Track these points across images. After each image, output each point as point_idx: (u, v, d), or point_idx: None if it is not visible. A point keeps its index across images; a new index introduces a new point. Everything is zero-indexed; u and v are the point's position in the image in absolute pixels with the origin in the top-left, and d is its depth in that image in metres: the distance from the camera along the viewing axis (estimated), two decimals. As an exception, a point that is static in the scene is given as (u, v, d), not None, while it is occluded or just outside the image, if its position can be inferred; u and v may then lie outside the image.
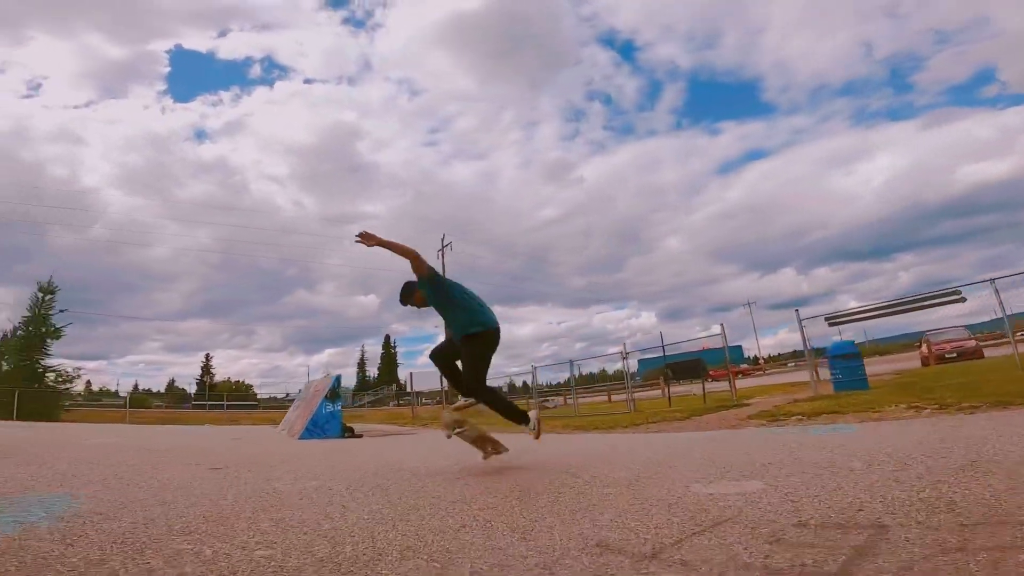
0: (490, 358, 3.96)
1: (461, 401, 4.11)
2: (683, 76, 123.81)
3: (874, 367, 15.14)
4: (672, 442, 5.17)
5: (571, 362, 15.15)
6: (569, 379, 15.48)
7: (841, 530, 1.75)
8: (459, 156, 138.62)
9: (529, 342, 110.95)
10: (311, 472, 4.14)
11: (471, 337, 3.85)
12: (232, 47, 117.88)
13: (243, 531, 2.21)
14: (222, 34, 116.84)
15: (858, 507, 2.00)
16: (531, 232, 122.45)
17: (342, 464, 4.65)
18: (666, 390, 25.03)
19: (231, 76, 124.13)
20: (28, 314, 22.66)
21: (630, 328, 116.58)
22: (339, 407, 9.44)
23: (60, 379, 24.44)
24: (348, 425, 9.27)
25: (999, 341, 16.01)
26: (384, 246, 3.75)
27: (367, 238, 3.72)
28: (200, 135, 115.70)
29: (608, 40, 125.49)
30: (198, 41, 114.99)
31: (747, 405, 10.39)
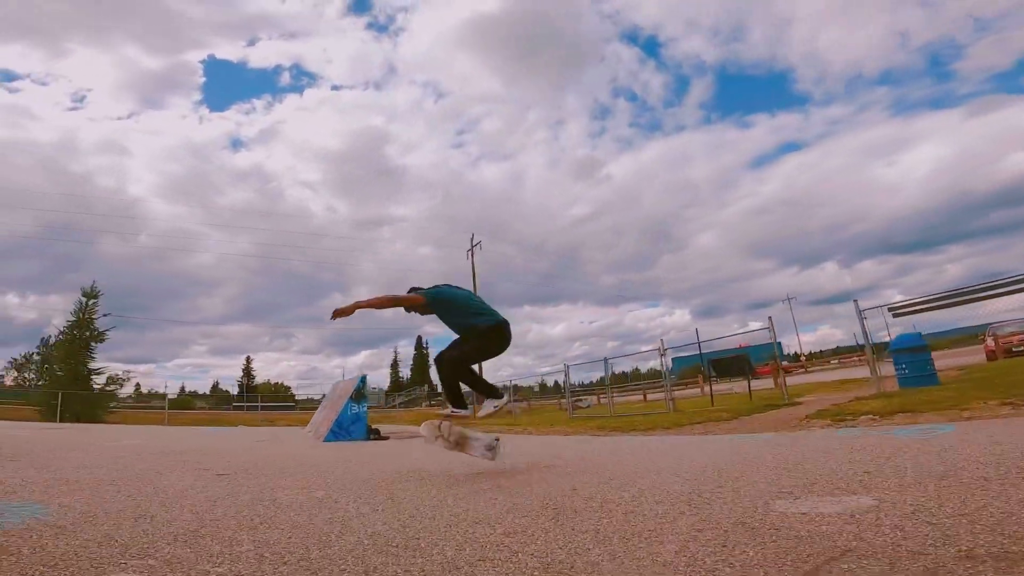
0: (486, 351, 3.80)
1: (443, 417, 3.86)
2: (710, 70, 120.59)
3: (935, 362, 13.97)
4: (729, 446, 4.55)
5: (605, 360, 14.49)
6: (603, 378, 14.80)
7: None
8: (487, 157, 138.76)
9: (561, 341, 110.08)
10: (321, 479, 3.73)
11: (474, 328, 3.69)
12: (262, 56, 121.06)
13: (211, 557, 1.77)
14: (251, 43, 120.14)
15: (1040, 541, 1.41)
16: (561, 231, 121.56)
17: (357, 470, 4.23)
18: (705, 388, 24.05)
19: (262, 84, 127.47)
20: (73, 318, 23.49)
21: (663, 326, 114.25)
22: (364, 408, 9.10)
23: (111, 382, 25.30)
24: (374, 427, 8.93)
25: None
26: (363, 307, 3.68)
27: (341, 313, 3.63)
28: (236, 143, 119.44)
29: (631, 36, 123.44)
30: (229, 51, 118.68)
31: (799, 403, 9.58)
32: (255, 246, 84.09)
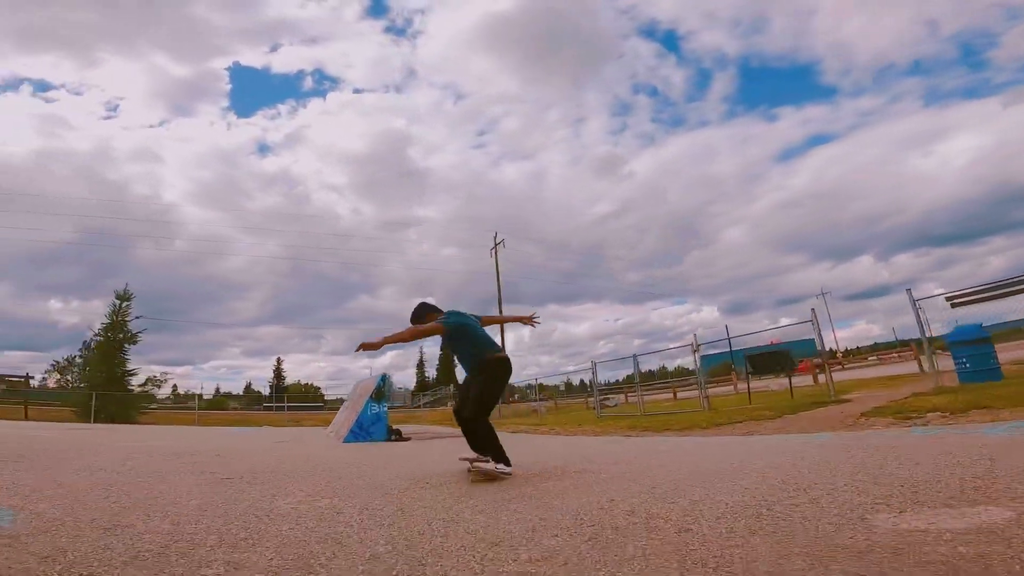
0: (502, 389, 3.80)
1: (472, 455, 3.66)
2: (732, 63, 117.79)
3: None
4: (786, 448, 4.04)
5: (634, 356, 13.92)
6: (632, 375, 14.24)
7: None
8: (508, 157, 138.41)
9: (586, 340, 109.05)
10: (330, 486, 3.39)
11: (487, 362, 3.66)
12: (284, 61, 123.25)
13: (166, 593, 1.42)
14: (274, 49, 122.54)
15: None
16: (584, 229, 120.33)
17: (370, 475, 3.88)
18: (738, 386, 23.14)
19: (286, 89, 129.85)
20: (107, 321, 24.06)
21: (690, 323, 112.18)
22: (385, 408, 8.78)
23: (149, 383, 25.88)
24: (395, 427, 8.63)
25: None
26: (391, 342, 3.65)
27: (369, 347, 3.65)
28: (263, 149, 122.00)
29: (649, 32, 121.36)
30: (253, 57, 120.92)
31: (848, 400, 8.90)
32: (284, 249, 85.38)
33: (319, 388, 64.56)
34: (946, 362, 9.52)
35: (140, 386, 24.79)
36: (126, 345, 24.28)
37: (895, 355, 42.40)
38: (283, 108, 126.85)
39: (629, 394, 25.13)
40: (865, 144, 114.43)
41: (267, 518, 2.40)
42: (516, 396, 32.40)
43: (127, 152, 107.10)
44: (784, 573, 1.34)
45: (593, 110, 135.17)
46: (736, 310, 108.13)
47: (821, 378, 19.18)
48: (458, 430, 4.17)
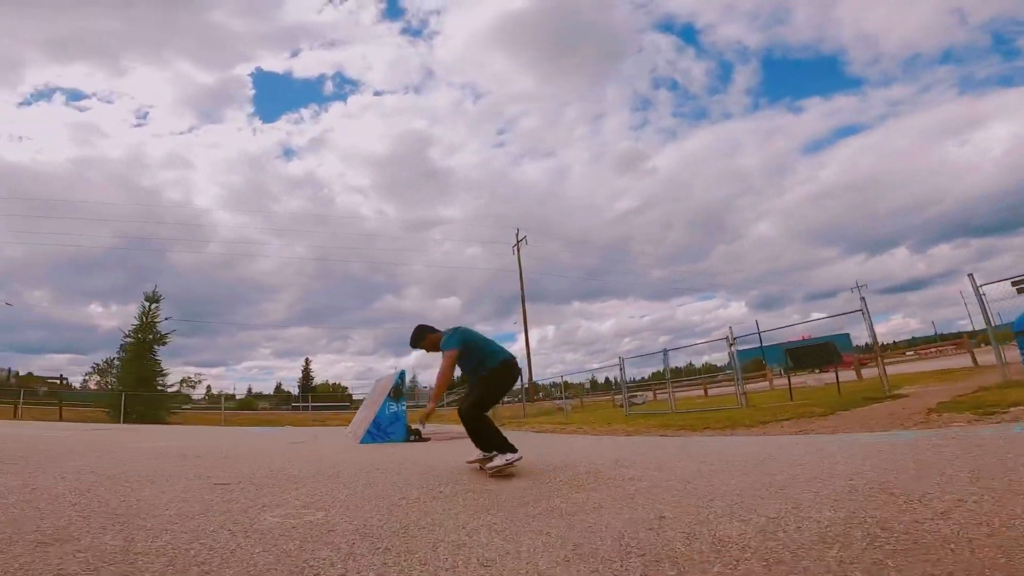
0: (503, 391, 3.94)
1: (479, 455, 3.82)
2: (754, 55, 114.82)
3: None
4: (859, 449, 3.46)
5: (664, 351, 13.28)
6: (662, 371, 13.60)
7: None
8: (528, 155, 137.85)
9: (610, 337, 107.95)
10: (331, 495, 2.98)
11: (492, 370, 3.79)
12: (305, 65, 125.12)
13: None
14: (294, 54, 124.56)
15: None
16: (607, 225, 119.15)
17: (378, 482, 3.46)
18: (773, 382, 22.18)
19: (308, 94, 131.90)
20: (137, 323, 24.44)
21: (718, 319, 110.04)
22: (403, 407, 8.37)
23: (184, 383, 26.31)
24: (414, 427, 8.24)
25: None
26: (438, 398, 3.93)
27: (428, 415, 3.97)
28: (288, 153, 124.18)
29: (667, 25, 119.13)
30: (274, 62, 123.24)
31: (904, 396, 8.16)
32: (311, 251, 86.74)
33: (346, 388, 65.18)
34: (1011, 353, 8.67)
35: (169, 386, 25.12)
36: (155, 346, 24.63)
37: (934, 349, 40.43)
38: (306, 113, 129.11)
39: (657, 391, 24.40)
40: (897, 134, 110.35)
41: (243, 535, 1.99)
42: (541, 394, 31.91)
43: (159, 159, 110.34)
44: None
45: (612, 106, 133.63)
46: (765, 305, 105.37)
47: (864, 372, 18.19)
48: None
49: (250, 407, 47.19)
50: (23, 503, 2.55)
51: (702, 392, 23.75)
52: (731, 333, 10.96)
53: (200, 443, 7.55)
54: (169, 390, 25.16)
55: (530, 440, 7.56)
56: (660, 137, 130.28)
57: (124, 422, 19.26)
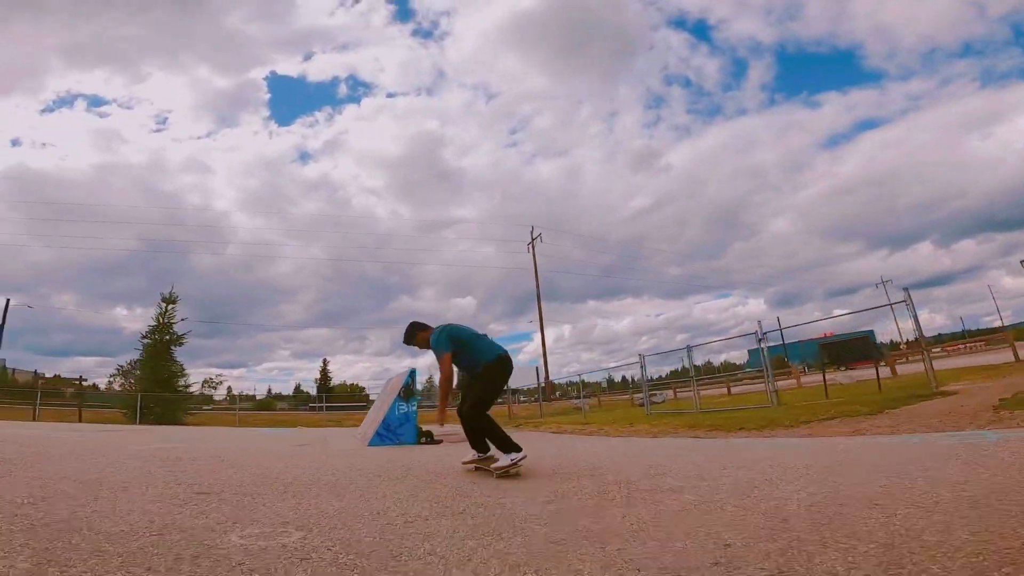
0: (499, 387, 3.93)
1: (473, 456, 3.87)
2: (768, 51, 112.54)
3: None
4: (942, 452, 2.94)
5: (688, 348, 12.69)
6: (683, 368, 13.03)
7: None
8: (541, 154, 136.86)
9: (627, 336, 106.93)
10: (318, 508, 2.57)
11: (486, 366, 3.75)
12: (319, 69, 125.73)
13: None
14: (307, 57, 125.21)
15: None
16: (622, 224, 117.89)
17: (377, 494, 3.04)
18: (800, 380, 21.37)
19: (322, 97, 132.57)
20: (153, 323, 24.47)
21: (736, 316, 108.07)
22: (414, 407, 7.95)
23: (206, 384, 26.35)
24: (425, 428, 7.83)
25: None
26: (447, 402, 3.93)
27: (442, 418, 3.99)
28: (304, 156, 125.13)
29: (679, 22, 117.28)
30: (288, 66, 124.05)
31: (954, 393, 7.51)
32: (328, 253, 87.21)
33: (364, 388, 65.40)
34: None
35: (185, 387, 25.11)
36: (173, 347, 24.64)
37: (962, 346, 39.01)
38: (320, 116, 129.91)
39: (677, 389, 23.71)
40: (918, 128, 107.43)
41: (190, 561, 1.59)
42: (557, 393, 31.40)
43: (179, 163, 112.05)
44: None
45: (625, 104, 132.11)
46: (785, 302, 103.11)
47: (900, 369, 17.35)
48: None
49: (268, 408, 47.52)
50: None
51: (724, 390, 23.04)
52: (760, 328, 10.37)
53: (203, 445, 7.24)
54: (191, 391, 25.19)
55: (549, 442, 7.10)
56: (674, 134, 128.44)
57: (141, 423, 19.25)
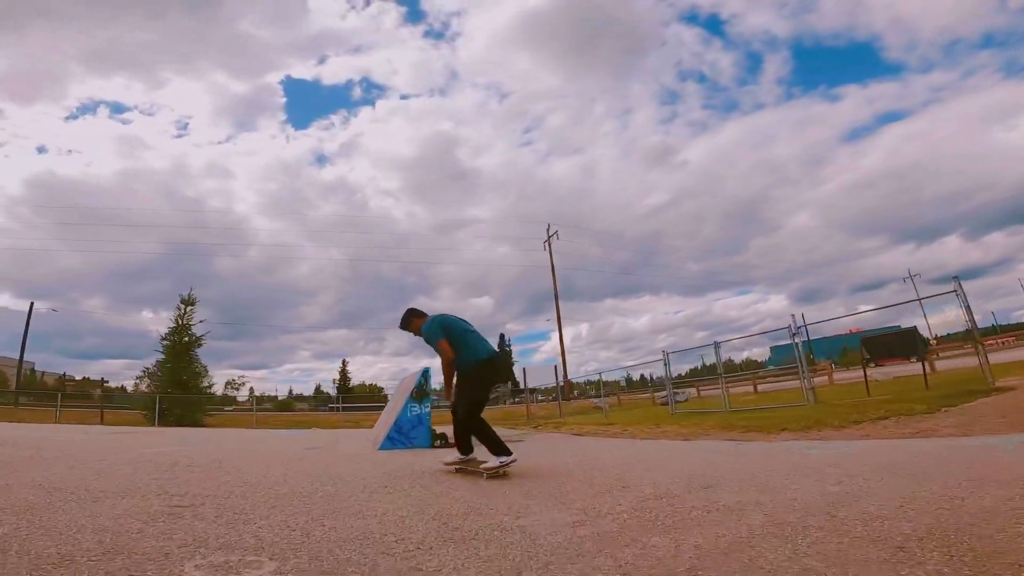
0: (490, 389, 3.99)
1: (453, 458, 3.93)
2: (784, 44, 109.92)
3: None
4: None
5: (716, 344, 12.10)
6: (716, 364, 12.42)
7: None
8: (556, 153, 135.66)
9: (645, 334, 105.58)
10: (303, 529, 2.18)
11: (473, 366, 3.75)
12: (333, 72, 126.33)
13: None
14: (321, 61, 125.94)
15: None
16: (639, 221, 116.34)
17: (376, 511, 2.65)
18: (832, 377, 20.52)
19: (337, 100, 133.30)
20: (172, 325, 24.59)
21: (757, 313, 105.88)
22: (427, 408, 7.61)
23: (229, 386, 26.45)
24: (439, 431, 7.43)
25: None
26: (450, 387, 3.83)
27: (449, 394, 3.88)
28: (320, 159, 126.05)
29: (691, 17, 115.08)
30: (303, 70, 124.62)
31: (1012, 389, 6.88)
32: (347, 254, 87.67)
33: (382, 388, 65.59)
34: None
35: (208, 388, 25.22)
36: (192, 349, 24.74)
37: (996, 342, 37.52)
38: (335, 119, 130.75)
39: (700, 388, 23.00)
40: (942, 120, 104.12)
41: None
42: (576, 392, 30.85)
43: (200, 168, 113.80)
44: None
45: (639, 100, 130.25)
46: (807, 298, 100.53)
47: (938, 365, 16.48)
48: (510, 432, 3.38)
49: (288, 408, 47.83)
50: None
51: (750, 388, 22.28)
52: (794, 322, 9.79)
53: (210, 448, 6.96)
54: (207, 392, 25.27)
55: (571, 445, 6.66)
56: (690, 130, 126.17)
57: (160, 424, 19.30)
